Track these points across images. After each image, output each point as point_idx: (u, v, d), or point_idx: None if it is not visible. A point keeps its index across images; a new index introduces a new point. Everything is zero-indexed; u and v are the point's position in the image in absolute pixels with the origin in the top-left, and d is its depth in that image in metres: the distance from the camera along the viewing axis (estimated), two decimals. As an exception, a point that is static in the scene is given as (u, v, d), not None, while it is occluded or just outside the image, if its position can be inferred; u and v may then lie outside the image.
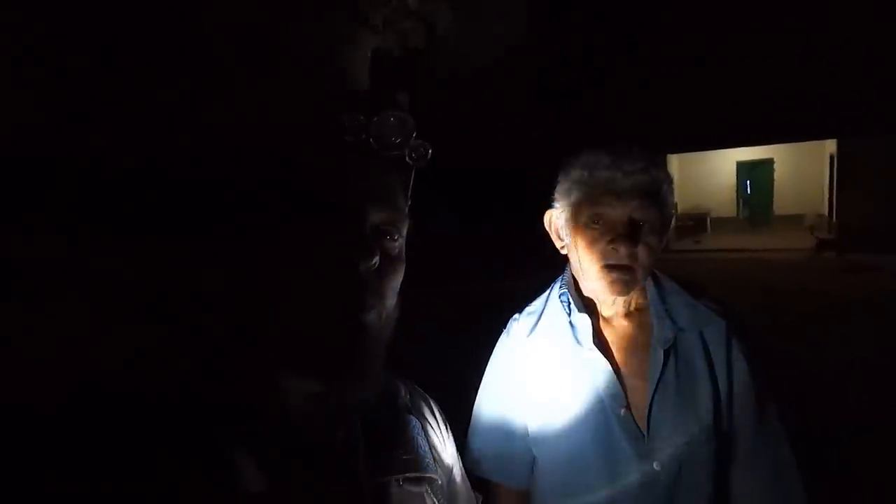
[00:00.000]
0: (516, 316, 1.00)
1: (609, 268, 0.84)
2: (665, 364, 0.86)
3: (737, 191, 16.65)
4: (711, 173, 16.53)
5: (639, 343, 0.89)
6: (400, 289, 0.52)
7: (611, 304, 0.91)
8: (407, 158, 0.50)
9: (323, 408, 0.49)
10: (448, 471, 0.63)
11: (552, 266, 1.02)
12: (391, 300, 0.50)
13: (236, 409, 0.45)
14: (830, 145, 11.75)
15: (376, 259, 0.45)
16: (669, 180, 0.86)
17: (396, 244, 0.50)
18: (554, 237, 0.94)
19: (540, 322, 0.95)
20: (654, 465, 0.83)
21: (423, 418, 0.61)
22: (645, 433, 0.85)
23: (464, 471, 0.69)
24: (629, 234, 0.82)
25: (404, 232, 0.51)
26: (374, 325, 0.46)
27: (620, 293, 0.85)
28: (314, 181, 0.45)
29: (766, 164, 16.16)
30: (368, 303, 0.46)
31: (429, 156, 0.51)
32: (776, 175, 16.19)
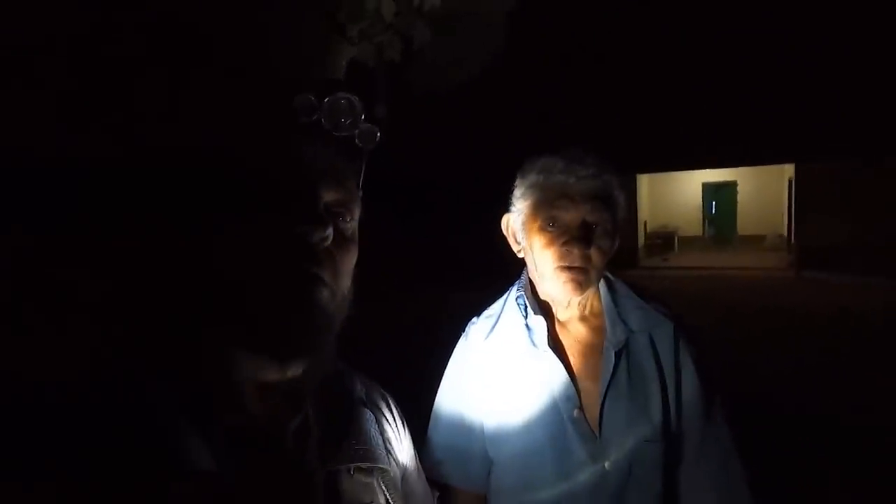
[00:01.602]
0: (474, 320, 1.01)
1: (563, 269, 0.86)
2: (616, 365, 0.87)
3: (703, 211, 17.22)
4: (679, 193, 17.08)
5: (592, 345, 0.91)
6: (363, 279, 0.53)
7: (566, 307, 0.93)
8: (357, 141, 0.51)
9: (275, 394, 0.49)
10: (402, 466, 0.63)
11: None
12: (345, 280, 0.51)
13: (185, 393, 0.44)
14: (789, 170, 12.30)
15: (329, 231, 0.46)
16: (620, 185, 0.89)
17: (349, 225, 0.51)
18: (511, 240, 0.96)
19: (497, 325, 0.96)
20: (606, 464, 0.85)
21: (378, 412, 0.61)
22: (597, 434, 0.86)
23: (420, 467, 0.69)
24: (582, 236, 0.85)
25: (356, 215, 0.52)
26: (327, 302, 0.47)
27: (574, 293, 0.87)
28: (268, 161, 0.46)
29: (730, 186, 16.80)
30: (321, 277, 0.46)
31: (377, 139, 0.52)
32: (739, 197, 16.84)
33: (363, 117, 0.50)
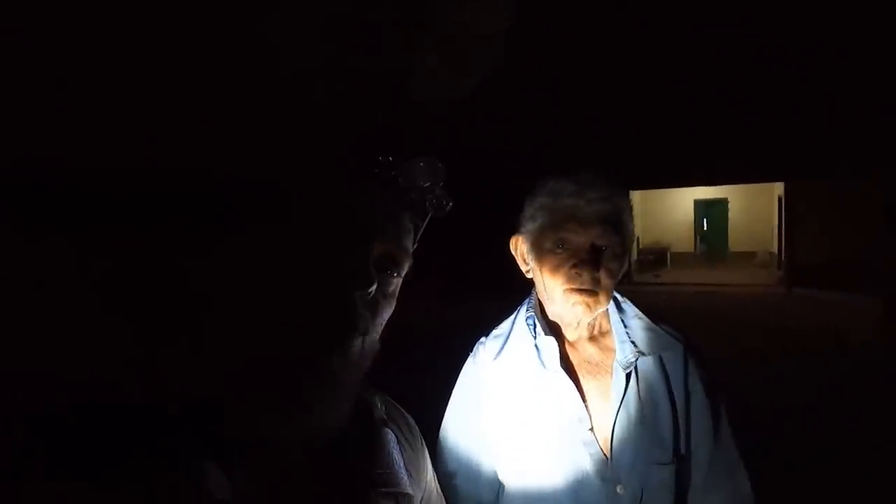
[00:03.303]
0: (482, 339, 1.01)
1: (573, 291, 0.87)
2: (627, 386, 0.88)
3: (694, 227, 17.39)
4: (671, 210, 17.25)
5: (602, 366, 0.92)
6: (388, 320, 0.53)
7: (575, 328, 0.93)
8: (427, 205, 0.51)
9: (296, 423, 0.49)
10: (423, 485, 0.63)
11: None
12: (378, 330, 0.51)
13: (206, 421, 0.44)
14: (779, 187, 12.48)
15: (373, 289, 0.46)
16: (629, 207, 0.90)
17: (394, 281, 0.51)
18: (520, 261, 0.97)
19: (506, 345, 0.96)
20: (618, 488, 0.84)
21: (397, 431, 0.61)
22: (608, 456, 0.86)
23: (439, 485, 0.69)
24: (592, 259, 0.85)
25: (404, 271, 0.52)
26: (354, 354, 0.47)
27: (584, 315, 0.88)
28: (324, 206, 0.46)
29: (722, 203, 16.99)
30: (356, 331, 0.46)
31: (447, 208, 0.52)
32: (730, 214, 17.03)
33: (441, 184, 0.50)
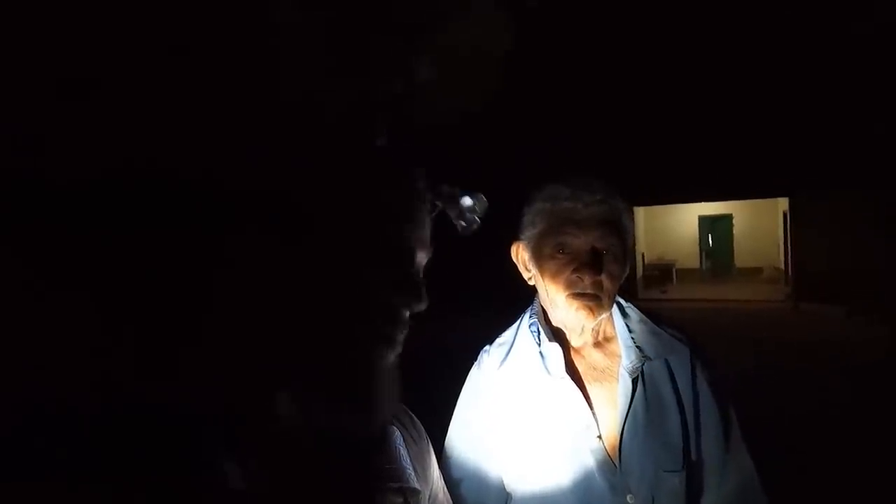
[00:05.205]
0: (487, 348, 1.00)
1: (575, 296, 0.86)
2: (634, 392, 0.87)
3: (699, 243, 17.32)
4: (675, 226, 17.21)
5: (608, 372, 0.91)
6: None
7: (579, 334, 0.93)
8: (458, 228, 0.54)
9: (309, 419, 0.49)
10: (430, 483, 0.62)
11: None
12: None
13: (224, 413, 0.45)
14: (783, 202, 12.46)
15: (426, 303, 0.48)
16: (628, 210, 0.90)
17: None
18: (521, 268, 0.97)
19: (510, 353, 0.95)
20: (628, 497, 0.83)
21: (402, 429, 0.61)
22: (617, 463, 0.84)
23: (446, 487, 0.68)
24: (592, 262, 0.85)
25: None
26: (392, 362, 0.49)
27: (587, 319, 0.87)
28: (383, 223, 0.47)
29: (726, 219, 16.95)
30: (398, 342, 0.48)
31: (474, 228, 0.54)
32: (735, 229, 16.97)
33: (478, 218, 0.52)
